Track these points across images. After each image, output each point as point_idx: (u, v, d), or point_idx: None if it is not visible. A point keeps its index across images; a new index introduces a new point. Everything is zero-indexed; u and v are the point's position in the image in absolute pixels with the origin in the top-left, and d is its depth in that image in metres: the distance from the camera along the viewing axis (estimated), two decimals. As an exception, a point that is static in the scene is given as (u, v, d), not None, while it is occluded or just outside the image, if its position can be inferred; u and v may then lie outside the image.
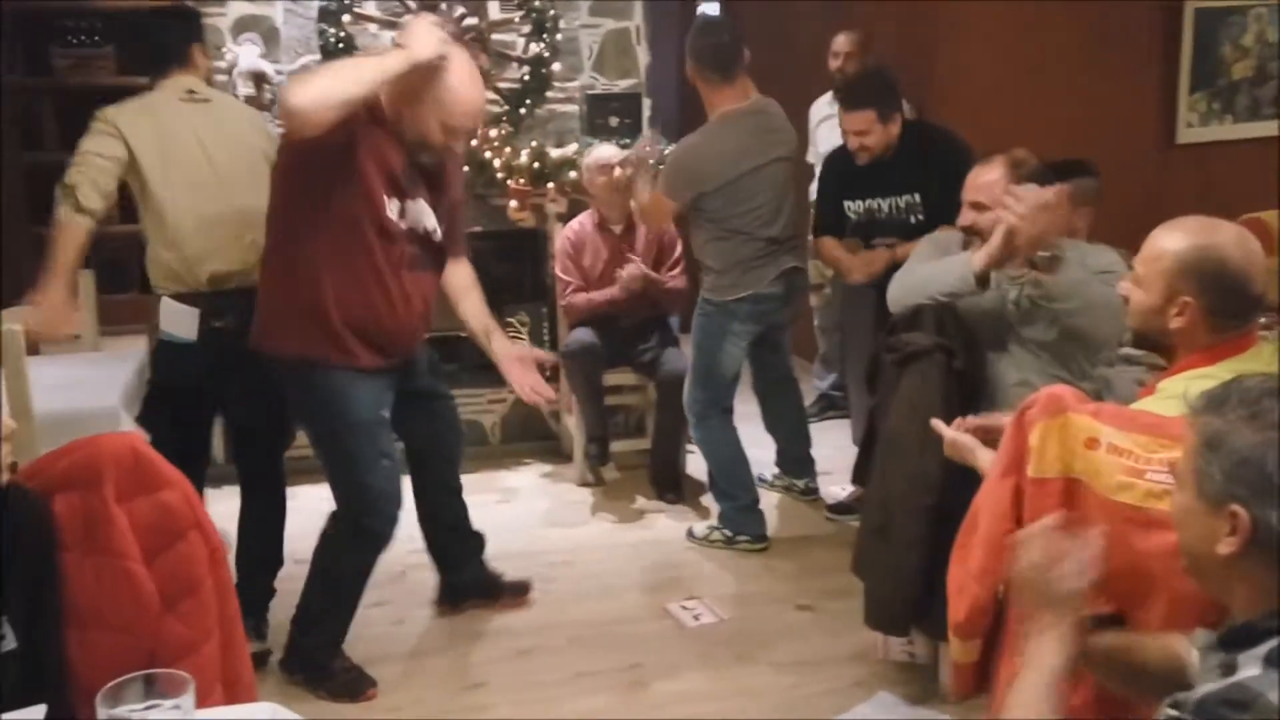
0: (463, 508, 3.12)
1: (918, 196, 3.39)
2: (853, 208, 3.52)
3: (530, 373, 2.81)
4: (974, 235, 2.63)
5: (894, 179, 3.42)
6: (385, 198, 2.47)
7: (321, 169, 2.41)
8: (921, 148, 3.39)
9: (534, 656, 2.84)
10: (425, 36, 2.38)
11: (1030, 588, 1.32)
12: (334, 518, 2.70)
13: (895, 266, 3.29)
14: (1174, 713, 1.04)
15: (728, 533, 3.57)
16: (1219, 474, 1.13)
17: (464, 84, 2.47)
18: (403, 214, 2.53)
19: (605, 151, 4.12)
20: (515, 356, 2.85)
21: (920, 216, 3.39)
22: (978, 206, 2.64)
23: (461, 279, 2.87)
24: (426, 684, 2.72)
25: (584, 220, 4.22)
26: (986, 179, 2.63)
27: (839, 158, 3.64)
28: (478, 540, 3.16)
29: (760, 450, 3.98)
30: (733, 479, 3.60)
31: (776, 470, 4.05)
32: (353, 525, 2.65)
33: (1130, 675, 1.45)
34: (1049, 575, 1.31)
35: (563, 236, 4.24)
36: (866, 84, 3.47)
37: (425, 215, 2.60)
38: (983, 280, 2.54)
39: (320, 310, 2.46)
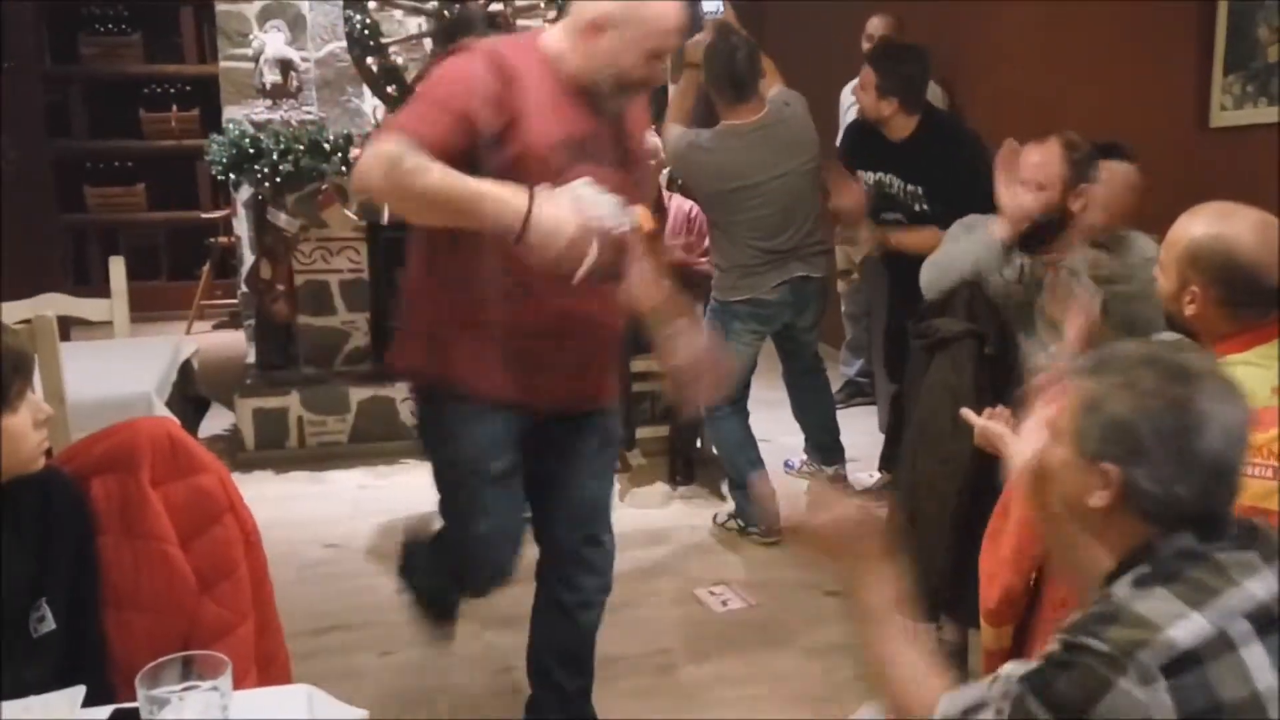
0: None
1: (921, 189, 3.38)
2: (865, 178, 3.51)
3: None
4: (1024, 219, 2.56)
5: (905, 163, 3.41)
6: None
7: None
8: (930, 148, 3.38)
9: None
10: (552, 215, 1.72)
11: (823, 547, 1.45)
12: None
13: (906, 255, 3.29)
14: (1057, 636, 1.14)
15: (740, 523, 3.58)
16: (1095, 434, 1.22)
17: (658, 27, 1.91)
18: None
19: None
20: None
21: (924, 207, 3.38)
22: (1033, 186, 2.55)
23: None
24: (460, 667, 2.74)
25: None
26: (1040, 159, 2.55)
27: (861, 124, 3.62)
28: None
29: (792, 438, 3.98)
30: (740, 470, 3.58)
31: (804, 457, 4.04)
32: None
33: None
34: (831, 531, 1.43)
35: None
36: (893, 57, 3.45)
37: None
38: (1008, 246, 2.53)
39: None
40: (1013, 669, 1.16)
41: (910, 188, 3.40)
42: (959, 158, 3.31)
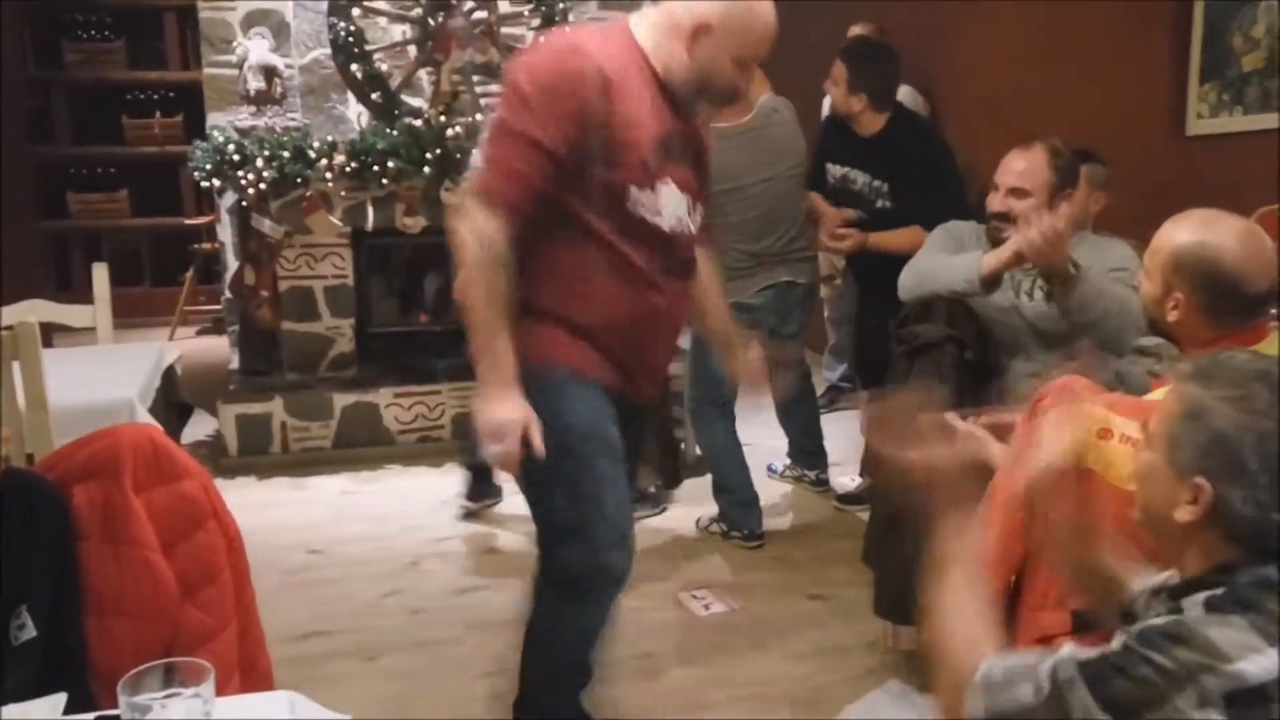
0: None
1: (885, 186, 3.42)
2: (832, 171, 3.56)
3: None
4: (1007, 223, 2.58)
5: (870, 158, 3.45)
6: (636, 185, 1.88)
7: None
8: (897, 144, 3.41)
9: (546, 646, 2.86)
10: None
11: (934, 474, 1.38)
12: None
13: (875, 263, 3.32)
14: (1122, 638, 1.12)
15: (723, 526, 3.57)
16: (1192, 446, 1.17)
17: (757, 31, 1.89)
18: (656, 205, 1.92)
19: None
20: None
21: (886, 204, 3.43)
22: (1017, 193, 2.57)
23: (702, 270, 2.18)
24: (444, 672, 2.74)
25: None
26: (1026, 165, 2.56)
27: (834, 118, 3.66)
28: None
29: (777, 441, 4.00)
30: (725, 474, 3.58)
31: (788, 461, 4.05)
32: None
33: (1082, 570, 1.53)
34: (937, 473, 1.37)
35: None
36: (863, 54, 3.50)
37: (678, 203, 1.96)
38: (989, 284, 2.53)
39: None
40: (1071, 652, 1.15)
41: (875, 183, 3.44)
42: (924, 157, 3.38)
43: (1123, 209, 3.04)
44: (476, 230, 1.77)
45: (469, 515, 3.77)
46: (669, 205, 1.91)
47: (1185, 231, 1.82)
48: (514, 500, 3.92)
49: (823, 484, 3.98)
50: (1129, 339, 2.33)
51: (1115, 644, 1.12)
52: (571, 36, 1.88)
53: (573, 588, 1.98)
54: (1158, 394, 1.86)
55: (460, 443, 3.83)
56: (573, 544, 1.92)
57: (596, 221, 1.86)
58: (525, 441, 1.81)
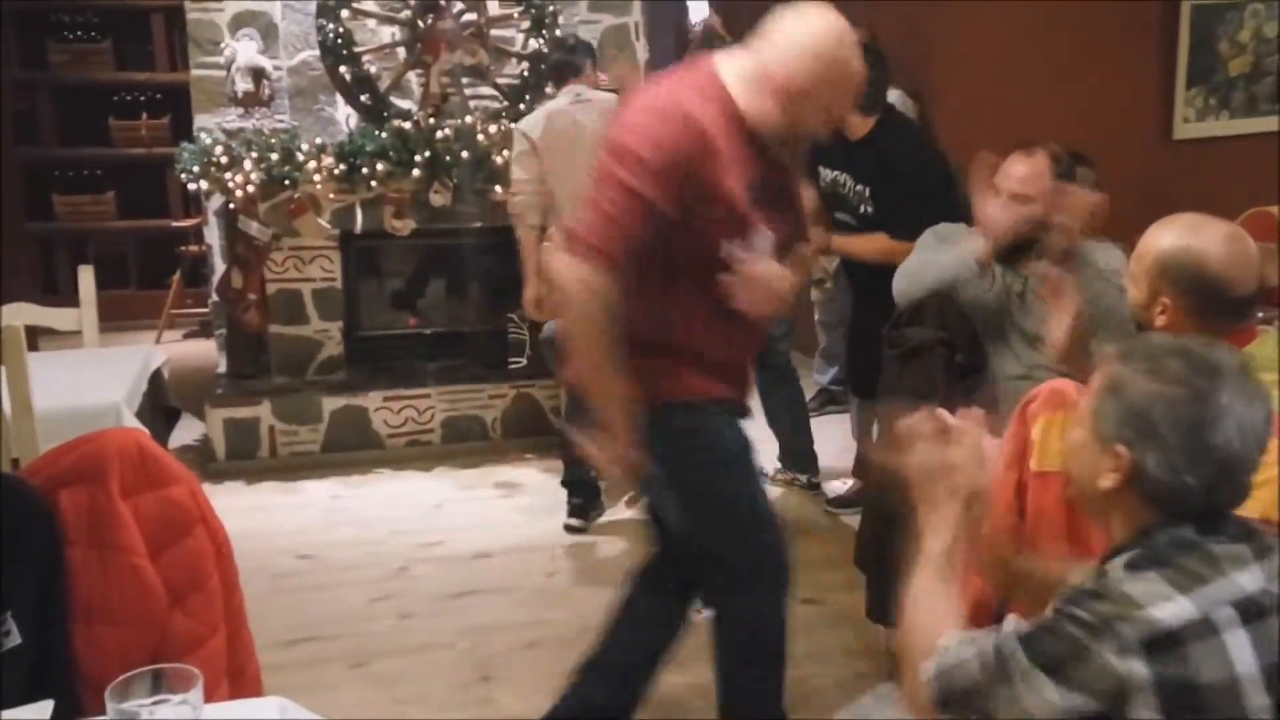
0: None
1: (867, 191, 3.40)
2: (824, 174, 3.52)
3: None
4: (1004, 235, 2.57)
5: (858, 164, 3.42)
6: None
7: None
8: (881, 150, 3.38)
9: (541, 648, 2.85)
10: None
11: (918, 475, 1.42)
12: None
13: (868, 265, 3.31)
14: (1052, 605, 1.21)
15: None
16: (1113, 416, 1.25)
17: (854, 54, 1.94)
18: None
19: None
20: None
21: (869, 209, 3.40)
22: (1019, 198, 2.55)
23: None
24: (434, 677, 2.73)
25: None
26: (1029, 171, 2.55)
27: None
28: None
29: (767, 445, 3.99)
30: None
31: (779, 465, 4.05)
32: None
33: (1012, 583, 1.70)
34: (933, 465, 1.41)
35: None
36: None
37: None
38: (985, 266, 2.54)
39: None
40: (1013, 627, 1.23)
41: (859, 188, 3.42)
42: (908, 166, 3.31)
43: (1111, 213, 3.05)
44: (589, 284, 1.82)
45: (577, 531, 3.70)
46: (760, 247, 1.97)
47: (1171, 236, 1.83)
48: (503, 506, 3.91)
49: (815, 487, 3.97)
50: (1122, 337, 2.34)
51: (1046, 613, 1.21)
52: (674, 97, 1.90)
53: (766, 574, 2.11)
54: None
55: (563, 459, 3.75)
56: (760, 535, 2.08)
57: (701, 268, 1.93)
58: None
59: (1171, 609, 1.13)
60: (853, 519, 3.40)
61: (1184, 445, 1.20)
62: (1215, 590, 1.15)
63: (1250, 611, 1.14)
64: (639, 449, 1.94)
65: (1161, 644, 1.12)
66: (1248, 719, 1.12)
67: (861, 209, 3.42)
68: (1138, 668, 1.11)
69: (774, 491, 3.98)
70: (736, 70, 1.94)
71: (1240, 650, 1.13)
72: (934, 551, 1.37)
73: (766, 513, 2.11)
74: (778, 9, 1.95)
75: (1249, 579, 1.17)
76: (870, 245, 3.30)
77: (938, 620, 1.31)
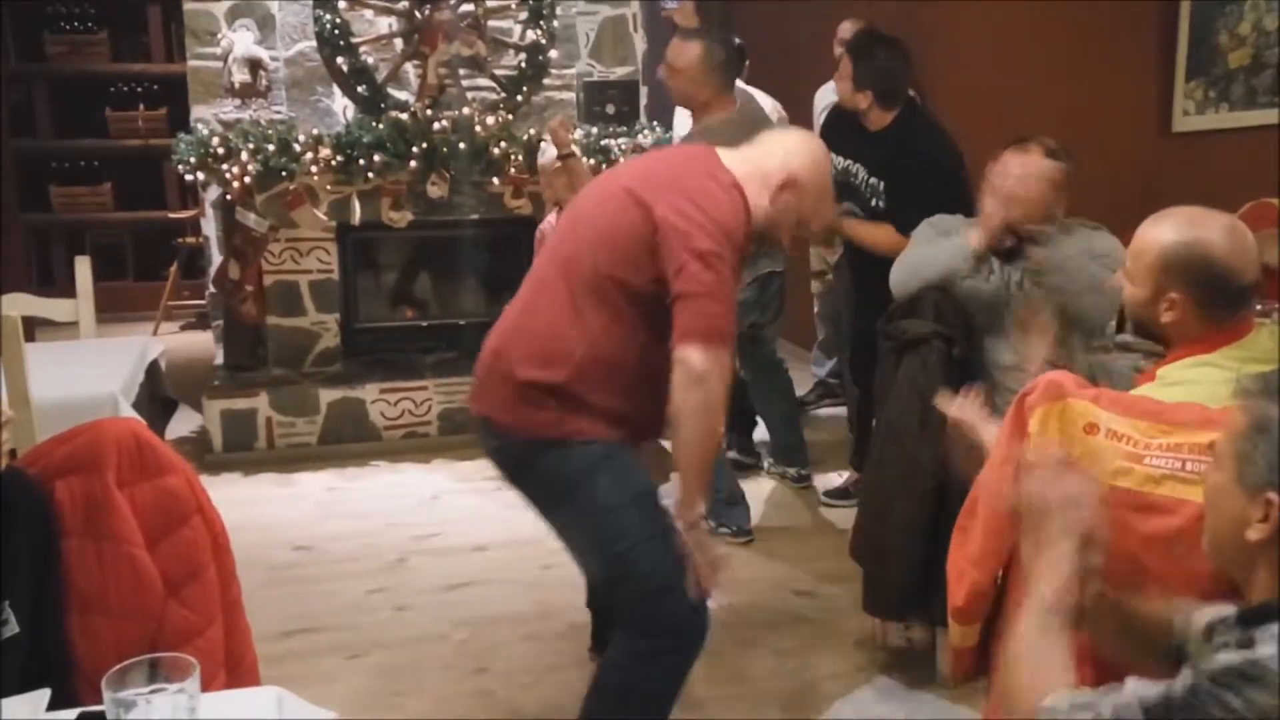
0: None
1: (881, 184, 3.37)
2: (835, 162, 3.44)
3: None
4: (1008, 230, 2.57)
5: (872, 153, 3.39)
6: None
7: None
8: (903, 137, 3.35)
9: (537, 641, 2.85)
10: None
11: (1032, 509, 1.32)
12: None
13: (872, 258, 3.30)
14: (1190, 676, 1.06)
15: (710, 523, 3.37)
16: (1263, 460, 1.12)
17: (830, 180, 2.17)
18: None
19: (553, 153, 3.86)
20: None
21: (880, 203, 3.37)
22: (1019, 199, 2.55)
23: None
24: (431, 669, 2.73)
25: (552, 220, 4.15)
26: (1032, 170, 2.56)
27: (840, 112, 3.62)
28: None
29: (757, 437, 4.00)
30: (720, 467, 3.43)
31: (770, 460, 4.03)
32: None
33: (1120, 630, 1.47)
34: (1050, 499, 1.31)
35: (539, 235, 4.16)
36: (869, 50, 3.41)
37: None
38: (980, 258, 2.55)
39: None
40: (1134, 690, 1.09)
41: (872, 180, 3.38)
42: (924, 163, 3.26)
43: (1109, 205, 3.05)
44: (727, 372, 1.86)
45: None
46: None
47: (1171, 231, 1.82)
48: (500, 500, 3.92)
49: (804, 480, 3.94)
50: (1104, 321, 2.35)
51: (1180, 683, 1.06)
52: (725, 175, 1.99)
53: (675, 639, 1.98)
54: (1144, 389, 1.87)
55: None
56: (673, 598, 1.92)
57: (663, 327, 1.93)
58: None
59: None
60: (848, 511, 3.40)
61: None
62: None
63: None
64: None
65: None
66: None
67: (873, 202, 3.38)
68: None
69: (768, 485, 3.98)
70: (736, 159, 2.05)
71: None
72: (1044, 596, 1.24)
73: (682, 570, 1.92)
74: (768, 131, 2.16)
75: None
76: (877, 235, 3.26)
77: (1045, 675, 1.17)
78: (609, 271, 1.93)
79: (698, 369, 1.81)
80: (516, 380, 1.94)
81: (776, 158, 2.04)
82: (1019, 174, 2.56)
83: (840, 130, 3.53)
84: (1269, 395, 1.15)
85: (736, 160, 2.05)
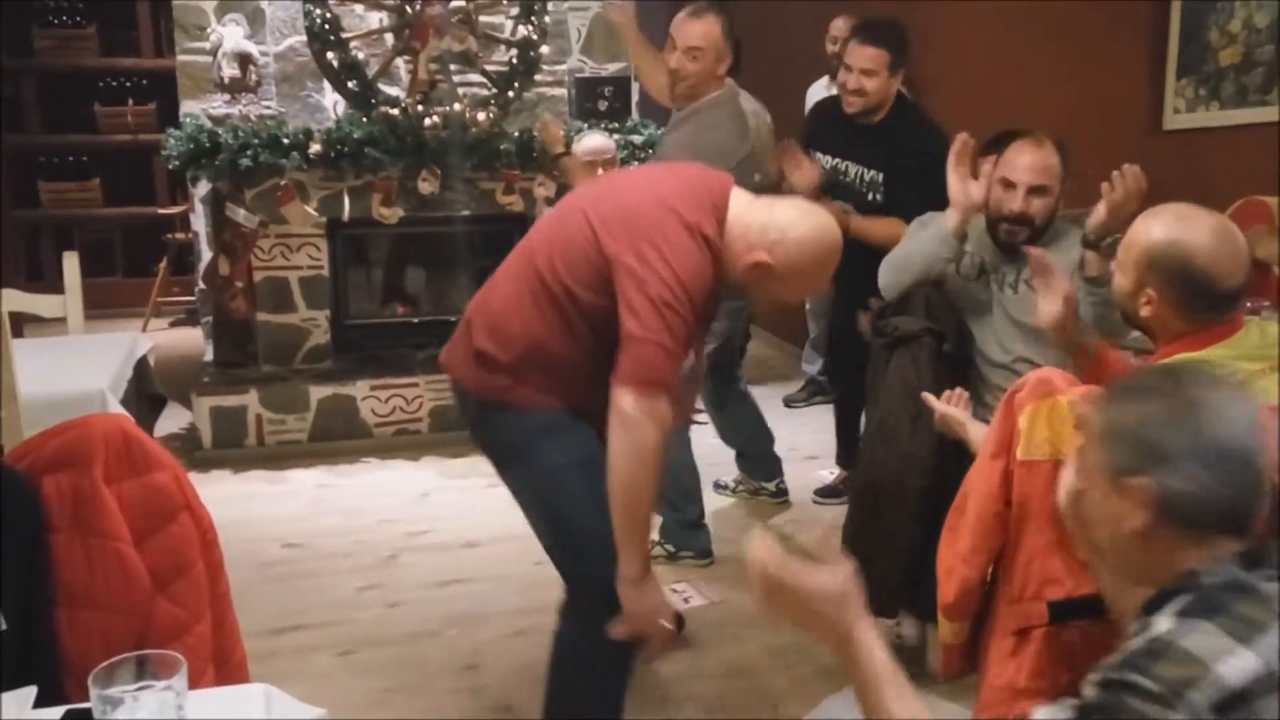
0: None
1: (880, 177, 3.30)
2: (823, 160, 3.40)
3: None
4: (1023, 225, 2.53)
5: (867, 149, 3.32)
6: None
7: None
8: (902, 131, 3.29)
9: (528, 637, 2.85)
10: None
11: (810, 611, 1.32)
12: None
13: (850, 257, 3.26)
14: (1097, 677, 1.08)
15: (670, 548, 3.31)
16: (1117, 456, 1.19)
17: (833, 263, 2.05)
18: None
19: (597, 142, 3.77)
20: None
21: (877, 197, 3.30)
22: (1037, 190, 2.51)
23: None
24: (422, 666, 2.72)
25: None
26: (1046, 163, 2.52)
27: (826, 106, 3.56)
28: None
29: (721, 454, 3.85)
30: (679, 490, 3.30)
31: (739, 475, 3.86)
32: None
33: None
34: (808, 603, 1.31)
35: None
36: (888, 26, 3.33)
37: None
38: (961, 237, 2.55)
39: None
40: (1043, 715, 1.11)
41: (869, 175, 3.32)
42: (925, 150, 3.18)
43: (1098, 203, 3.06)
44: (663, 422, 1.83)
45: None
46: (683, 368, 2.00)
47: (1159, 228, 1.82)
48: (489, 497, 3.91)
49: (783, 494, 3.79)
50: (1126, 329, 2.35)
51: (1089, 692, 1.09)
52: (706, 226, 1.93)
53: (602, 611, 1.94)
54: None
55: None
56: (610, 564, 1.91)
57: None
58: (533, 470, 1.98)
59: (1238, 665, 1.03)
60: (839, 508, 3.41)
61: (1198, 451, 1.14)
62: (1274, 636, 1.06)
63: None
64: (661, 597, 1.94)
65: (1231, 705, 1.02)
66: None
67: (870, 196, 3.31)
68: None
69: (733, 501, 3.84)
70: (742, 204, 2.00)
71: None
72: (876, 668, 1.25)
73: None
74: (791, 200, 2.04)
75: None
76: (889, 230, 3.13)
77: None
78: (565, 282, 1.94)
79: (628, 414, 1.80)
80: (474, 346, 2.02)
81: (770, 234, 1.95)
82: (1042, 166, 2.51)
83: (826, 128, 3.46)
84: (1100, 403, 1.24)
85: (742, 211, 1.99)
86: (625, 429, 1.81)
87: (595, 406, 1.93)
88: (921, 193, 2.98)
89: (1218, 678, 1.02)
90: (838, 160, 3.39)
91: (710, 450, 3.68)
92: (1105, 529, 1.22)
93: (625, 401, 1.81)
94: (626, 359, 1.83)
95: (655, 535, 3.21)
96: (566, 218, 2.02)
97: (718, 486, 3.84)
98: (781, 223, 1.96)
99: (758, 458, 3.78)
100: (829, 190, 3.39)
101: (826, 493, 3.83)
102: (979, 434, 2.13)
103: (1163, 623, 1.10)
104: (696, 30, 3.09)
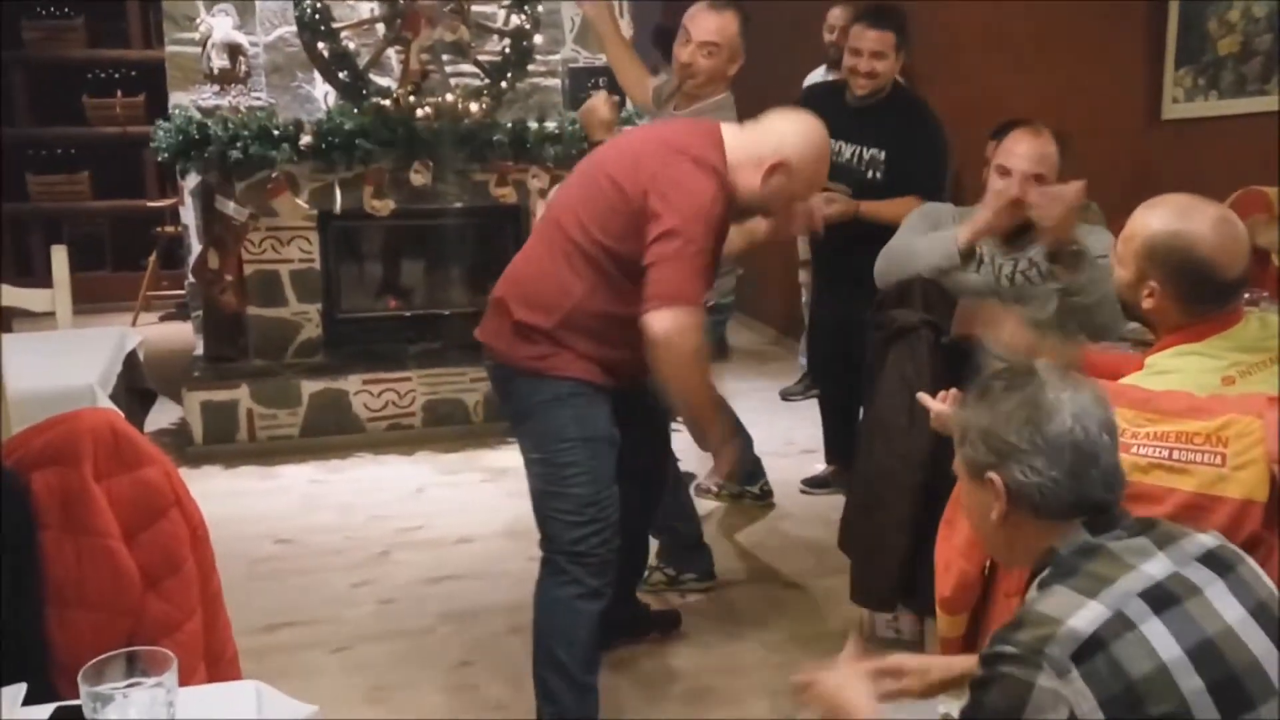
0: (644, 544, 2.82)
1: (883, 154, 3.33)
2: None
3: None
4: (1020, 210, 2.51)
5: (867, 128, 3.34)
6: None
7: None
8: (902, 109, 3.35)
9: (521, 634, 2.81)
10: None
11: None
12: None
13: (832, 251, 3.24)
14: (979, 659, 1.20)
15: (670, 571, 3.14)
16: (973, 454, 1.33)
17: (827, 159, 2.29)
18: None
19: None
20: None
21: (878, 174, 3.34)
22: (1040, 179, 2.49)
23: None
24: (415, 662, 2.70)
25: None
26: (1043, 151, 2.50)
27: (822, 90, 3.58)
28: (638, 576, 2.84)
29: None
30: (675, 510, 3.12)
31: (717, 480, 3.70)
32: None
33: None
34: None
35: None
36: (892, 9, 3.39)
37: None
38: (966, 255, 2.53)
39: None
40: (947, 708, 1.26)
41: (869, 153, 3.33)
42: (923, 128, 3.31)
43: (1097, 193, 3.04)
44: (694, 330, 2.01)
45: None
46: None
47: (1159, 219, 1.81)
48: (486, 491, 3.89)
49: (767, 496, 3.72)
50: (1119, 327, 2.33)
51: (977, 670, 1.20)
52: (712, 158, 2.12)
53: (579, 572, 2.20)
54: (1132, 377, 1.86)
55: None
56: (596, 530, 2.18)
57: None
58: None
59: (1086, 615, 1.13)
60: (837, 504, 3.39)
61: (1035, 444, 1.27)
62: (1123, 586, 1.16)
63: (1162, 599, 1.16)
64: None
65: (1087, 652, 1.12)
66: (1186, 703, 1.11)
67: (870, 174, 3.34)
68: (1078, 685, 1.10)
69: (711, 504, 3.73)
70: (736, 138, 2.18)
71: (1160, 638, 1.13)
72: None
73: (609, 500, 2.20)
74: (773, 111, 2.22)
75: (1156, 567, 1.19)
76: (902, 209, 3.05)
77: None
78: (598, 239, 2.11)
79: (659, 335, 1.98)
80: (513, 319, 2.18)
81: (771, 141, 2.15)
82: (1036, 155, 2.49)
83: (821, 111, 3.44)
84: (959, 407, 1.39)
85: (737, 140, 2.17)
86: (661, 349, 1.99)
87: (630, 359, 2.12)
88: (927, 164, 3.11)
89: (1070, 630, 1.13)
90: (836, 142, 3.34)
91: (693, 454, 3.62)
92: (977, 518, 1.37)
93: (655, 323, 1.98)
94: (651, 284, 2.00)
95: (654, 560, 3.08)
96: (586, 180, 2.19)
97: (700, 490, 3.69)
98: (777, 129, 2.17)
99: (742, 463, 3.57)
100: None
101: (815, 483, 3.84)
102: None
103: (1030, 595, 1.25)
104: (714, 24, 2.97)
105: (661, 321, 1.98)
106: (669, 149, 2.10)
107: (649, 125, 2.58)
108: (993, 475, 1.30)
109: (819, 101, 3.49)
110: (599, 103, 3.05)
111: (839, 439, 3.70)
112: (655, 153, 2.11)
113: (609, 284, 2.13)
